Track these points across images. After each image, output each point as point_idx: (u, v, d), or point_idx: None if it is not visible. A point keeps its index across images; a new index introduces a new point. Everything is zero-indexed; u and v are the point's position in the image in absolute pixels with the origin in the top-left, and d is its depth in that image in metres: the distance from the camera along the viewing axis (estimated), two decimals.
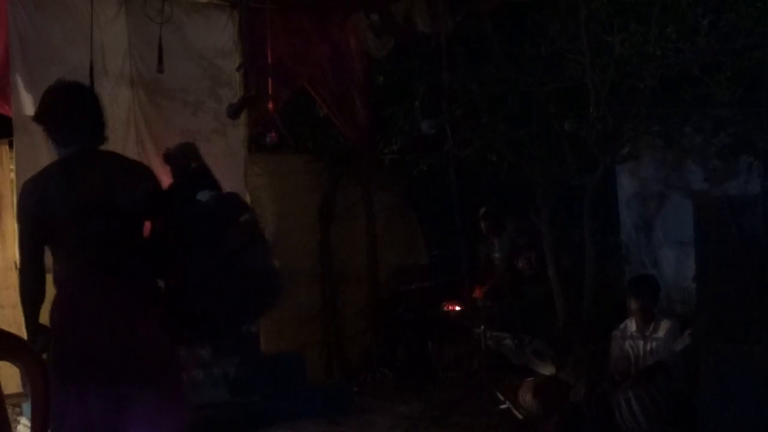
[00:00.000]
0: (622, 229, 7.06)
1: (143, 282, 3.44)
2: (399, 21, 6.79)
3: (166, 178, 3.87)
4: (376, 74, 7.69)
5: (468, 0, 6.36)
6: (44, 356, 3.39)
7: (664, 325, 5.53)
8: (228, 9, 6.62)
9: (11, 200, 6.27)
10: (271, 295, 3.61)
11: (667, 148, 6.45)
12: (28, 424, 4.60)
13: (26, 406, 5.44)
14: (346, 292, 8.11)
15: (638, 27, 5.58)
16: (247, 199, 6.84)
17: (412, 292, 8.14)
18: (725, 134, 5.85)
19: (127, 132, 6.17)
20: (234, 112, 5.93)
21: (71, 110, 3.45)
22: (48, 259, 3.48)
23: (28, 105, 5.48)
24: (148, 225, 3.59)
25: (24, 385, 3.87)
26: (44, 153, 4.45)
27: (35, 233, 3.38)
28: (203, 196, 3.54)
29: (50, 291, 3.46)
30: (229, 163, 6.64)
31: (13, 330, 3.94)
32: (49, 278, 3.46)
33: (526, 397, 6.08)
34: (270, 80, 6.25)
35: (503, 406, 6.19)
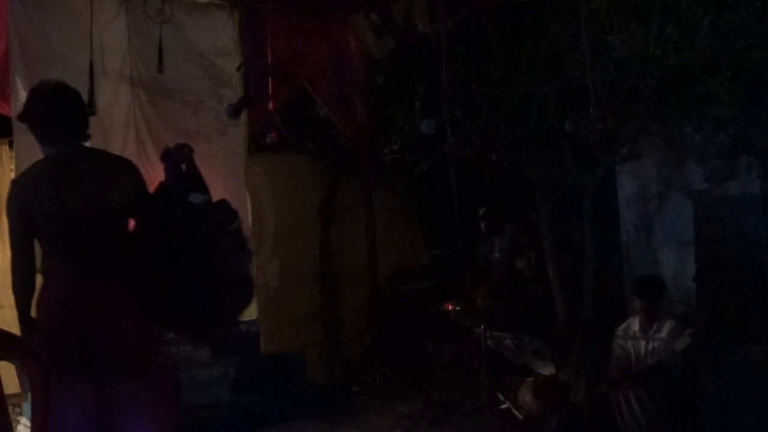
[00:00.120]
0: (622, 229, 7.06)
1: (126, 274, 3.55)
2: (399, 21, 6.79)
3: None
4: (376, 74, 7.69)
5: (468, 0, 6.36)
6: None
7: (668, 326, 5.53)
8: (228, 9, 6.62)
9: None
10: (245, 300, 3.82)
11: (667, 148, 6.45)
12: (28, 424, 4.61)
13: (26, 406, 5.44)
14: (346, 292, 8.11)
15: (638, 27, 5.58)
16: (247, 199, 6.85)
17: (412, 292, 8.14)
18: (725, 134, 5.85)
19: (127, 132, 6.17)
20: (234, 112, 5.93)
21: (52, 110, 3.57)
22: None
23: None
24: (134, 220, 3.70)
25: (23, 384, 3.89)
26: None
27: (23, 228, 3.51)
28: (196, 198, 3.64)
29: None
30: (229, 163, 6.65)
31: (13, 330, 3.96)
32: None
33: (526, 397, 6.09)
34: (270, 80, 6.25)
35: (503, 406, 6.19)
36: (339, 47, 7.23)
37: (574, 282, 6.64)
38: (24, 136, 5.56)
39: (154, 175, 6.15)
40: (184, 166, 3.73)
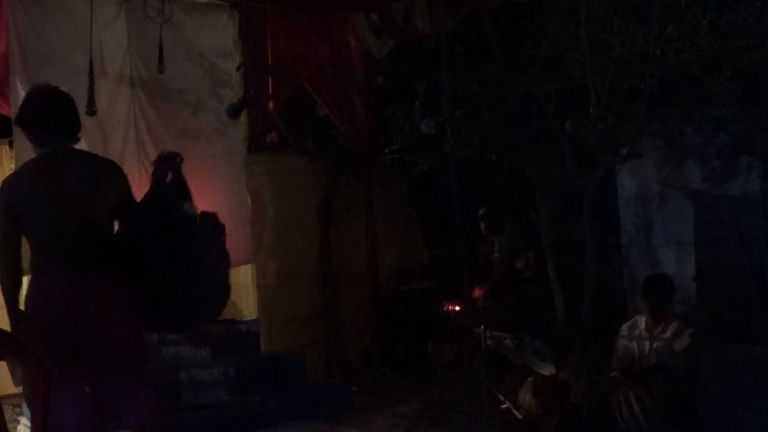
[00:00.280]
0: (622, 229, 7.05)
1: (112, 271, 3.69)
2: (399, 21, 6.78)
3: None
4: (376, 74, 7.69)
5: (468, 0, 6.36)
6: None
7: (673, 327, 5.52)
8: (228, 9, 6.62)
9: None
10: (224, 304, 4.07)
11: (667, 148, 6.45)
12: (28, 424, 4.61)
13: (26, 406, 5.44)
14: (346, 292, 8.12)
15: (638, 27, 5.58)
16: (248, 199, 6.86)
17: (413, 292, 8.15)
18: (725, 134, 5.85)
19: (127, 132, 6.17)
20: (234, 112, 5.92)
21: (42, 112, 3.75)
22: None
23: None
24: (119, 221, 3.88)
25: (15, 379, 3.95)
26: None
27: (9, 225, 3.66)
28: (189, 208, 3.85)
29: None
30: (230, 163, 6.64)
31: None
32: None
33: (526, 397, 6.09)
34: (270, 80, 6.24)
35: (503, 406, 6.19)
36: (339, 47, 7.23)
37: (574, 282, 6.64)
38: (23, 136, 5.58)
39: None
40: (170, 175, 3.87)
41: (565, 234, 7.24)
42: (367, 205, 7.96)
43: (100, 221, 3.72)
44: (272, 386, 6.28)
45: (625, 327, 5.76)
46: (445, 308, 6.96)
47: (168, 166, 3.86)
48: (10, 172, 6.44)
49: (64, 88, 5.54)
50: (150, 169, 6.10)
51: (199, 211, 3.91)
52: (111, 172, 3.85)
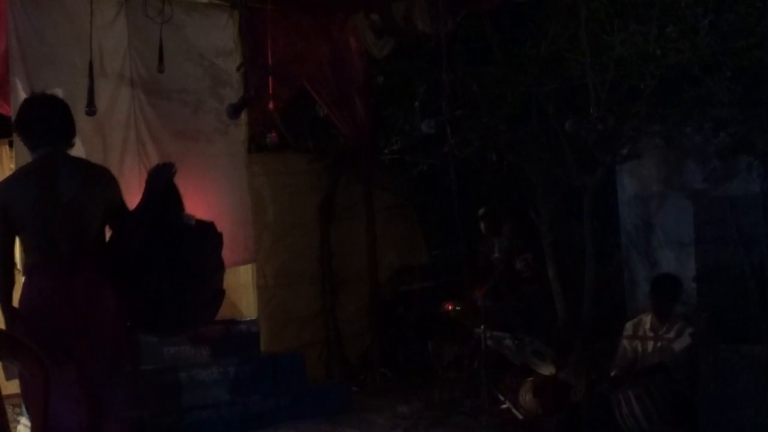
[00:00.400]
0: (622, 229, 7.05)
1: (100, 272, 3.85)
2: (399, 21, 6.78)
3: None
4: (376, 74, 7.69)
5: (468, 0, 6.36)
6: None
7: (677, 327, 5.51)
8: (228, 9, 6.62)
9: None
10: (217, 309, 4.23)
11: (667, 148, 6.44)
12: (29, 424, 4.61)
13: (24, 406, 5.44)
14: (346, 292, 8.12)
15: (638, 27, 5.58)
16: (249, 198, 6.85)
17: (413, 292, 8.14)
18: (725, 134, 5.84)
19: (128, 132, 6.17)
20: (234, 112, 5.92)
21: (38, 119, 3.92)
22: None
23: None
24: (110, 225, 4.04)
25: (9, 374, 4.00)
26: None
27: (5, 227, 3.81)
28: (189, 219, 4.04)
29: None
30: (230, 162, 6.64)
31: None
32: None
33: (526, 397, 6.09)
34: (270, 80, 6.24)
35: (503, 406, 6.19)
36: (339, 47, 7.22)
37: (574, 282, 6.64)
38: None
39: None
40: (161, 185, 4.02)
41: (565, 234, 7.23)
42: (367, 205, 7.96)
43: (90, 224, 3.86)
44: (272, 386, 6.29)
45: (629, 325, 5.74)
46: (445, 308, 6.96)
47: (162, 177, 4.01)
48: (10, 171, 6.48)
49: (64, 88, 5.64)
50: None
51: (195, 219, 4.07)
52: (102, 178, 4.00)
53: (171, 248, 3.89)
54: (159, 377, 5.90)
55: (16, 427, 5.73)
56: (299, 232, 7.92)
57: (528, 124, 6.48)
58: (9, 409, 5.30)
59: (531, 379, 6.27)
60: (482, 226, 7.49)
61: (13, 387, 4.28)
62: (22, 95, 5.50)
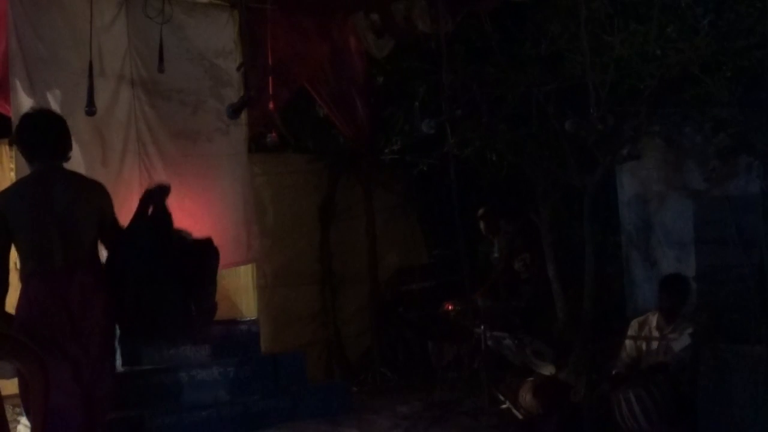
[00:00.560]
0: (622, 229, 7.05)
1: (92, 278, 4.10)
2: (399, 21, 6.78)
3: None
4: (376, 74, 7.69)
5: (468, 0, 6.36)
6: None
7: (682, 328, 5.51)
8: (228, 9, 6.61)
9: None
10: (210, 321, 4.50)
11: (667, 148, 6.45)
12: (29, 424, 4.61)
13: (23, 406, 5.44)
14: (346, 292, 8.12)
15: (638, 27, 5.58)
16: (252, 198, 6.85)
17: (413, 292, 8.14)
18: (725, 134, 5.84)
19: (128, 132, 6.16)
20: (234, 112, 5.92)
21: (35, 135, 4.16)
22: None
23: (27, 105, 5.46)
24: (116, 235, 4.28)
25: (20, 387, 4.05)
26: None
27: (2, 235, 4.03)
28: (187, 235, 4.30)
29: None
30: (232, 162, 6.64)
31: None
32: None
33: (526, 397, 6.08)
34: (270, 80, 6.24)
35: (503, 406, 6.19)
36: (339, 47, 7.22)
37: (574, 282, 6.64)
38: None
39: (156, 176, 6.18)
40: (151, 208, 4.26)
41: (565, 234, 7.24)
42: (367, 205, 7.96)
43: (84, 235, 4.11)
44: (272, 386, 6.28)
45: (634, 323, 5.73)
46: (445, 308, 6.96)
47: (156, 198, 4.27)
48: (10, 171, 6.49)
49: (64, 89, 5.64)
50: (152, 170, 6.20)
51: (191, 235, 4.33)
52: (95, 191, 4.24)
53: (169, 263, 4.17)
54: (159, 377, 5.90)
55: (16, 427, 5.73)
56: (299, 232, 7.92)
57: (528, 124, 6.48)
58: (9, 409, 5.31)
59: (531, 379, 6.26)
60: (481, 226, 7.49)
61: (13, 387, 4.29)
62: (22, 95, 5.50)
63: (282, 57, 6.60)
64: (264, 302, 7.45)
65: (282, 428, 6.04)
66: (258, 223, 7.16)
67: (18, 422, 5.76)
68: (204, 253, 4.32)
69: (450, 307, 6.89)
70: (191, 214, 6.08)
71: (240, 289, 7.37)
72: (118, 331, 4.45)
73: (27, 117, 4.29)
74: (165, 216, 4.26)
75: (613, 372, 5.69)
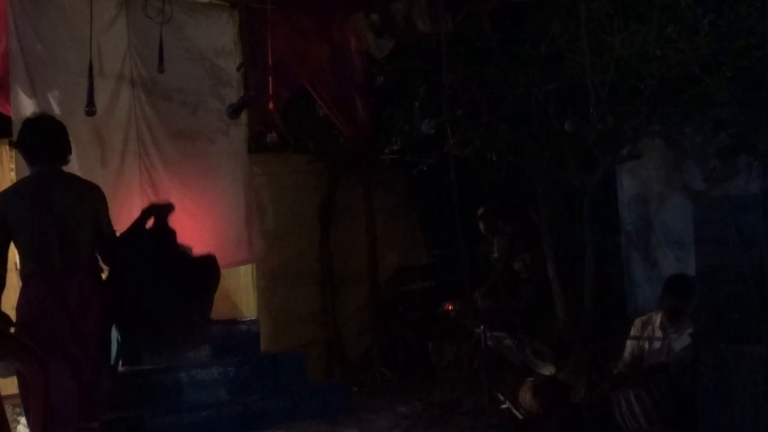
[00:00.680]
0: (622, 229, 7.06)
1: (89, 279, 4.22)
2: (399, 21, 6.79)
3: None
4: (376, 74, 7.69)
5: (468, 0, 6.36)
6: None
7: (682, 327, 5.50)
8: (228, 9, 6.61)
9: None
10: (202, 338, 4.88)
11: (667, 148, 6.45)
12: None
13: (22, 406, 5.44)
14: (346, 292, 8.12)
15: (638, 27, 5.58)
16: (253, 197, 6.85)
17: (413, 292, 8.14)
18: (725, 134, 5.85)
19: (128, 132, 6.16)
20: (234, 112, 5.92)
21: (35, 139, 4.28)
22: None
23: (27, 105, 5.48)
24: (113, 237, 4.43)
25: (21, 384, 4.07)
26: None
27: (1, 235, 4.15)
28: (188, 250, 4.45)
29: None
30: (233, 162, 6.64)
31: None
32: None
33: (526, 397, 6.08)
34: (270, 80, 6.24)
35: (503, 406, 6.19)
36: (339, 47, 7.22)
37: (574, 282, 6.64)
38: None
39: (156, 176, 6.19)
40: (150, 223, 4.40)
41: (565, 234, 7.24)
42: (367, 205, 7.96)
43: (81, 236, 4.20)
44: (272, 386, 6.28)
45: (638, 322, 5.71)
46: (445, 308, 6.96)
47: (158, 214, 4.42)
48: (11, 171, 6.49)
49: (64, 89, 5.64)
50: (152, 170, 6.21)
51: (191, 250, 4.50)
52: (91, 194, 4.36)
53: (171, 269, 4.33)
54: (159, 377, 5.90)
55: (16, 427, 5.73)
56: (299, 232, 7.91)
57: (528, 124, 6.48)
58: (9, 409, 5.31)
59: (531, 379, 6.26)
60: (481, 226, 7.49)
61: (13, 387, 4.30)
62: (23, 95, 5.51)
63: (282, 57, 6.60)
64: (264, 302, 7.45)
65: (282, 428, 6.04)
66: (258, 223, 7.17)
67: (18, 422, 5.76)
68: (205, 269, 4.49)
69: (450, 307, 6.89)
70: (191, 214, 6.08)
71: (240, 289, 7.37)
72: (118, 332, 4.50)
73: (29, 122, 4.42)
74: (167, 230, 4.40)
75: (614, 371, 5.69)
